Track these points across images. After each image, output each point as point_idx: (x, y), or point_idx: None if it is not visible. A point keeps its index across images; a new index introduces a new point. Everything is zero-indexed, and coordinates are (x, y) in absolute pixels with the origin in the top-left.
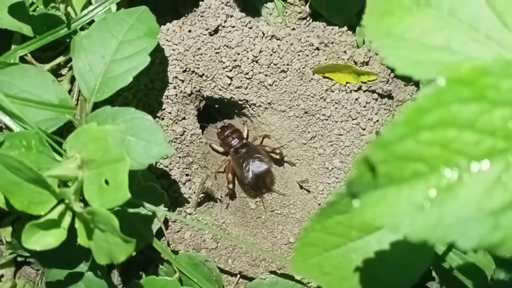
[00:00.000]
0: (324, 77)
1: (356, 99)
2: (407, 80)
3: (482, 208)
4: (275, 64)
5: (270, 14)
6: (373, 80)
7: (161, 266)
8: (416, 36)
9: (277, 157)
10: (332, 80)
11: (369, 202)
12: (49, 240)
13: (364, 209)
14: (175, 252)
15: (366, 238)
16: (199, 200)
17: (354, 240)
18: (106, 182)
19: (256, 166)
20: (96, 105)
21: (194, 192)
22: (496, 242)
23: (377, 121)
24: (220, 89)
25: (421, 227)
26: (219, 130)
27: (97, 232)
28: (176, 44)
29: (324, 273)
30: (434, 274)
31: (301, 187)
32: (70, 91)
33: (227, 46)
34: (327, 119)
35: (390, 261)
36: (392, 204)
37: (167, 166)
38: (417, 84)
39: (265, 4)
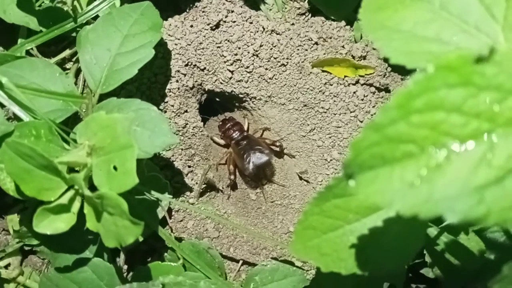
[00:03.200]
0: (323, 71)
1: (354, 92)
2: (404, 73)
3: (468, 185)
4: (275, 58)
5: (270, 9)
6: (371, 73)
7: (165, 254)
8: (409, 28)
9: (277, 149)
10: (330, 74)
11: (364, 181)
12: (60, 224)
13: (359, 188)
14: (179, 240)
15: (362, 220)
16: (201, 190)
17: (351, 222)
18: (115, 168)
19: (256, 158)
20: (101, 97)
21: (196, 183)
22: (480, 215)
23: (375, 113)
24: (221, 83)
25: (412, 203)
26: (221, 123)
27: (106, 216)
28: (179, 39)
29: (322, 254)
30: (427, 259)
31: (301, 178)
32: (75, 84)
33: (228, 41)
34: (325, 112)
35: (384, 242)
36: (385, 183)
37: (169, 158)
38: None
39: (265, 0)
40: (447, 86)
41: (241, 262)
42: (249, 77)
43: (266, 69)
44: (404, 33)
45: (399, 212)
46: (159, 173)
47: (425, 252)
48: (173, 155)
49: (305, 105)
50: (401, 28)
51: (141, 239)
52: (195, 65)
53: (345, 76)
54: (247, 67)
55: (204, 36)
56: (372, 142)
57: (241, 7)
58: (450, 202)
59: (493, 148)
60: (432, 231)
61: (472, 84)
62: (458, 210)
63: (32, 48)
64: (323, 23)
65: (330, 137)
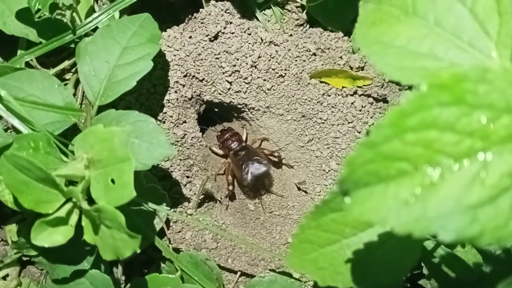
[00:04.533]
0: (321, 82)
1: (352, 103)
2: (401, 84)
3: (461, 203)
4: (273, 69)
5: (268, 20)
6: (368, 84)
7: (162, 265)
8: (403, 44)
9: (276, 159)
10: (328, 84)
11: (359, 198)
12: (57, 237)
13: (354, 205)
14: (177, 251)
15: (359, 235)
16: (199, 201)
17: (347, 237)
18: (112, 181)
19: (255, 168)
20: (100, 109)
21: (195, 194)
22: (474, 234)
23: (372, 124)
24: (219, 94)
25: (406, 221)
26: (219, 133)
27: (103, 229)
28: (177, 50)
29: (319, 268)
30: (424, 271)
31: (299, 189)
32: (74, 95)
33: (227, 52)
34: (323, 123)
35: (381, 256)
36: (379, 200)
37: (168, 168)
38: (411, 88)
39: (263, 11)
40: (440, 104)
41: (239, 273)
42: (247, 88)
43: (264, 80)
44: (398, 49)
45: (393, 230)
46: (157, 183)
47: (422, 264)
48: (171, 166)
49: (303, 116)
50: (396, 44)
51: (138, 250)
52: (193, 76)
53: (343, 87)
54: (246, 78)
55: (203, 47)
56: (367, 159)
57: (240, 18)
58: (444, 220)
59: (487, 167)
60: (429, 243)
61: (465, 102)
62: (452, 228)
63: (31, 59)
64: (321, 34)
65: (328, 148)
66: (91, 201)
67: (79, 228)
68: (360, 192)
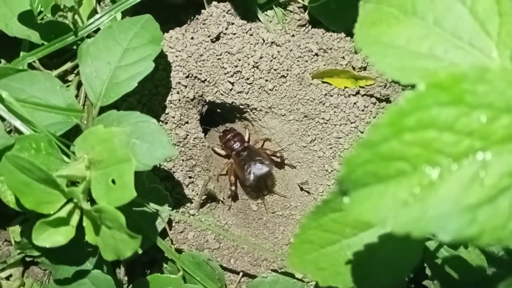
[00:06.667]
0: (323, 82)
1: (355, 103)
2: (404, 84)
3: (460, 204)
4: (275, 70)
5: (270, 21)
6: (371, 84)
7: (165, 265)
8: (402, 44)
9: (278, 160)
10: (330, 85)
11: (358, 198)
12: (58, 237)
13: (353, 205)
14: (179, 252)
15: (360, 235)
16: (201, 201)
17: (348, 237)
18: (113, 181)
19: (257, 169)
20: (102, 110)
21: (197, 194)
22: (473, 235)
23: None
24: (222, 94)
25: (404, 222)
26: (221, 133)
27: (104, 229)
28: (179, 51)
29: (319, 268)
30: (427, 271)
31: (302, 189)
32: (76, 97)
33: (229, 53)
34: (326, 123)
35: (382, 257)
36: (378, 200)
37: (170, 169)
38: (413, 88)
39: (265, 12)
40: (439, 104)
41: (241, 273)
42: (249, 88)
43: (267, 80)
44: (398, 49)
45: (392, 230)
46: (160, 184)
47: (425, 264)
48: (174, 166)
49: (306, 116)
50: (395, 44)
51: (140, 251)
52: (195, 76)
53: (345, 87)
54: (248, 78)
55: (205, 48)
56: (365, 159)
57: (241, 19)
58: (443, 221)
59: (486, 167)
60: (432, 244)
61: (464, 102)
62: (450, 229)
63: (34, 61)
64: (323, 34)
65: (330, 148)
66: (93, 202)
67: (81, 229)
68: (359, 192)
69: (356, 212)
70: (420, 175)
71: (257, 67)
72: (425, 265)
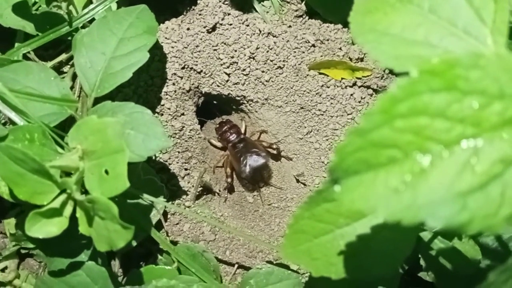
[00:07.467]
0: (320, 73)
1: (351, 95)
2: (399, 72)
3: (451, 191)
4: (271, 61)
5: (267, 12)
6: (368, 76)
7: (160, 257)
8: (398, 32)
9: (274, 151)
10: (327, 76)
11: (349, 187)
12: (52, 228)
13: (344, 193)
14: (174, 243)
15: (353, 225)
16: (197, 193)
17: (341, 227)
18: (106, 172)
19: (253, 161)
20: (97, 101)
21: (193, 186)
22: (463, 222)
23: None
24: (218, 86)
25: (395, 209)
26: (218, 125)
27: (97, 220)
28: (175, 42)
29: (312, 259)
30: (422, 262)
31: (298, 181)
32: (72, 88)
33: (225, 44)
34: (322, 114)
35: (374, 247)
36: (369, 188)
37: (166, 161)
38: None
39: (262, 3)
40: (431, 91)
41: (236, 265)
42: (245, 79)
43: (263, 71)
44: (393, 37)
45: (383, 218)
46: (155, 176)
47: (420, 256)
48: (169, 158)
49: (302, 108)
50: (390, 32)
51: (134, 243)
52: (191, 68)
53: (342, 78)
54: (244, 69)
55: (201, 39)
56: (357, 147)
57: (238, 9)
58: (433, 208)
59: (478, 154)
60: (426, 235)
61: (456, 88)
62: (441, 216)
63: (29, 52)
64: (320, 25)
65: (327, 140)
66: (86, 193)
67: (76, 220)
68: (350, 180)
69: (347, 200)
70: (412, 163)
71: (254, 58)
72: (420, 256)
